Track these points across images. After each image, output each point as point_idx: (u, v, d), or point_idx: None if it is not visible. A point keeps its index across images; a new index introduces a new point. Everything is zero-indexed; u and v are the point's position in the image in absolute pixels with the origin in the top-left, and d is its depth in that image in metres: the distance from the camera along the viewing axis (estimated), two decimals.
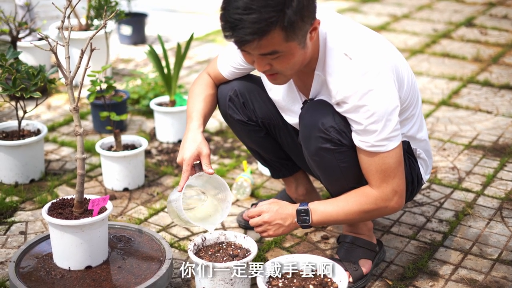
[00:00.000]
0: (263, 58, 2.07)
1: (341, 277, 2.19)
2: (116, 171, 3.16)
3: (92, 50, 2.29)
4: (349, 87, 2.11)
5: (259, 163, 3.32)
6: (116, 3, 4.20)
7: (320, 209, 2.31)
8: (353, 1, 7.15)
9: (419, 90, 2.44)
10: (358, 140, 2.19)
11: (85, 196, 2.42)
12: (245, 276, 2.29)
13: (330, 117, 2.21)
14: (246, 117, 2.59)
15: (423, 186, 3.18)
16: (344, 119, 2.21)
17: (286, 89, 2.41)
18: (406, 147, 2.41)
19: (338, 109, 2.20)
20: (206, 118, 2.51)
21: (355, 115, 2.14)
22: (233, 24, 1.98)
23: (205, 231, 2.83)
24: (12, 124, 3.31)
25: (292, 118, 2.46)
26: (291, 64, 2.09)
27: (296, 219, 2.32)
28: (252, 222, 2.37)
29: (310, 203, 2.32)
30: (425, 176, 2.52)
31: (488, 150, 3.59)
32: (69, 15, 2.35)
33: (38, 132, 3.29)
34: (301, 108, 2.34)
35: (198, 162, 2.38)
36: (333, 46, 2.16)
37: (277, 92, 2.46)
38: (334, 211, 2.30)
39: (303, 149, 2.35)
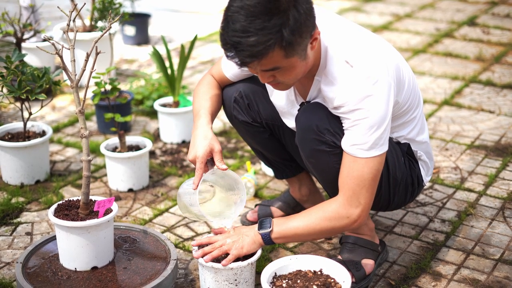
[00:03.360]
0: (266, 72, 2.10)
1: (344, 277, 2.21)
2: (120, 172, 3.18)
3: (97, 54, 2.31)
4: (348, 94, 2.13)
5: (262, 163, 3.33)
6: (120, 5, 4.22)
7: (282, 219, 2.33)
8: (355, 1, 7.16)
9: (420, 93, 2.45)
10: (343, 141, 2.20)
11: (90, 197, 2.45)
12: (249, 276, 2.31)
13: (325, 120, 2.24)
14: (250, 118, 2.61)
15: (426, 186, 3.20)
16: (339, 122, 2.23)
17: (286, 93, 2.43)
18: (406, 149, 2.43)
19: (334, 111, 2.22)
20: (213, 116, 2.52)
21: (349, 115, 2.16)
22: (232, 47, 2.00)
23: (209, 232, 2.86)
24: (18, 125, 3.34)
25: (291, 121, 2.48)
26: (294, 75, 2.12)
27: (257, 228, 2.32)
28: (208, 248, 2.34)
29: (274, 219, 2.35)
30: (426, 178, 2.54)
31: (491, 150, 3.60)
32: (75, 18, 2.37)
33: (43, 133, 3.32)
34: (298, 110, 2.37)
35: (209, 158, 2.39)
36: (334, 53, 2.18)
37: (278, 97, 2.47)
38: (294, 217, 2.32)
39: (299, 151, 2.37)
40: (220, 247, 2.30)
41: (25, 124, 3.23)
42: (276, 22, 1.96)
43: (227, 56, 2.06)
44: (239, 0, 1.98)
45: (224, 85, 2.62)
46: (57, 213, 2.42)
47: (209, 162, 2.38)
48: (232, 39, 1.99)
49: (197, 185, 2.30)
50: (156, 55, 3.75)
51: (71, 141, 3.76)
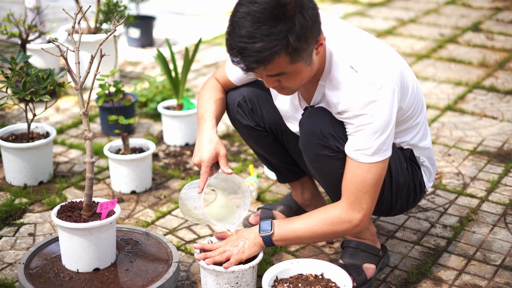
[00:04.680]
0: (271, 77, 2.11)
1: (345, 281, 2.22)
2: (124, 174, 3.19)
3: (102, 56, 2.32)
4: (353, 99, 2.14)
5: (265, 167, 3.34)
6: (125, 7, 4.23)
7: (283, 221, 2.34)
8: (360, 5, 7.17)
9: (424, 99, 2.45)
10: (346, 146, 2.21)
11: (93, 199, 2.46)
12: (251, 279, 2.32)
13: (329, 125, 2.24)
14: (254, 123, 2.62)
15: (428, 192, 3.20)
16: (343, 127, 2.24)
17: (291, 97, 2.44)
18: (409, 154, 2.44)
19: (338, 116, 2.23)
20: (218, 119, 2.52)
21: (353, 120, 2.17)
22: (238, 52, 2.01)
23: (211, 235, 2.87)
24: (22, 126, 3.35)
25: (295, 126, 2.48)
26: (299, 81, 2.13)
27: (257, 230, 2.33)
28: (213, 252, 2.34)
29: (275, 220, 2.36)
30: (428, 184, 2.54)
31: (493, 156, 3.61)
32: (80, 20, 2.38)
33: (47, 134, 3.33)
34: (302, 115, 2.37)
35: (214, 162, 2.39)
36: (339, 58, 2.19)
37: (282, 101, 2.48)
38: (295, 219, 2.33)
39: (303, 156, 2.38)
40: (222, 253, 2.31)
41: (29, 125, 3.24)
42: (282, 28, 1.97)
43: (233, 62, 2.06)
44: (245, 6, 1.99)
45: (228, 89, 2.63)
46: (60, 215, 2.43)
47: (214, 166, 2.38)
48: (238, 44, 2.00)
49: (202, 189, 2.31)
50: (160, 57, 3.76)
51: (74, 142, 3.77)
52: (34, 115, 3.20)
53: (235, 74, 2.56)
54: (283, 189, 3.28)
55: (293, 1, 1.98)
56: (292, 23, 1.97)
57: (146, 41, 5.62)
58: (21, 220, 2.97)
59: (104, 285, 2.35)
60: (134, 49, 5.57)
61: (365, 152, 2.17)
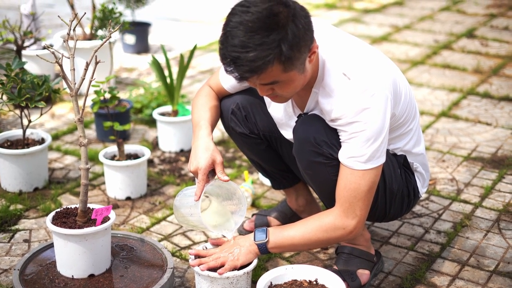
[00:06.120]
0: (264, 86, 2.12)
1: (339, 287, 2.22)
2: (119, 180, 3.19)
3: (97, 63, 2.33)
4: (346, 106, 2.15)
5: (260, 173, 3.35)
6: (120, 14, 4.24)
7: (278, 228, 2.35)
8: (355, 12, 7.19)
9: (417, 105, 2.47)
10: (340, 153, 2.22)
11: (88, 205, 2.47)
12: (245, 285, 2.32)
13: (322, 132, 2.25)
14: (248, 130, 2.63)
15: (422, 198, 3.22)
16: (336, 134, 2.25)
17: (284, 105, 2.45)
18: (402, 160, 2.45)
19: (331, 124, 2.24)
20: (213, 127, 2.53)
21: (346, 127, 2.18)
22: (231, 62, 2.02)
23: (206, 241, 2.87)
24: (17, 133, 3.35)
25: (289, 133, 2.49)
26: (292, 89, 2.14)
27: (252, 238, 2.34)
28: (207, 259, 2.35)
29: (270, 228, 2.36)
30: (422, 189, 2.56)
31: (487, 162, 3.62)
32: (75, 27, 2.39)
33: (42, 141, 3.33)
34: (295, 122, 2.39)
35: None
36: (332, 66, 2.20)
37: (276, 109, 2.49)
38: (290, 226, 2.34)
39: (297, 163, 2.39)
40: (217, 259, 2.31)
41: (24, 132, 3.24)
42: (275, 38, 1.98)
43: (226, 71, 2.07)
44: (238, 16, 2.00)
45: (222, 96, 2.64)
46: (55, 221, 2.44)
47: (210, 173, 2.39)
48: (231, 54, 2.01)
49: (199, 197, 2.31)
50: (156, 64, 3.77)
51: (70, 148, 3.77)
52: (29, 121, 3.20)
53: (229, 81, 2.57)
54: (278, 195, 3.29)
55: (286, 10, 1.99)
56: (285, 32, 1.98)
57: (142, 47, 5.63)
58: (16, 226, 2.97)
59: None
60: (129, 56, 5.58)
61: (358, 159, 2.18)
